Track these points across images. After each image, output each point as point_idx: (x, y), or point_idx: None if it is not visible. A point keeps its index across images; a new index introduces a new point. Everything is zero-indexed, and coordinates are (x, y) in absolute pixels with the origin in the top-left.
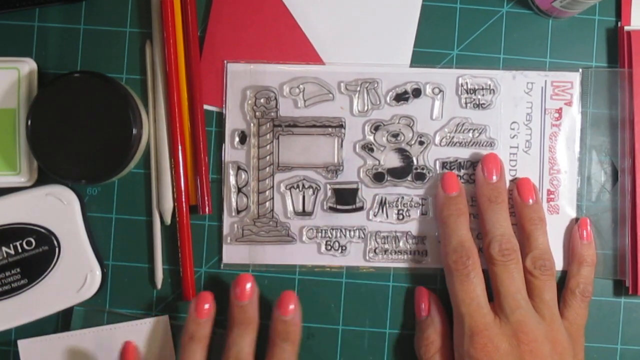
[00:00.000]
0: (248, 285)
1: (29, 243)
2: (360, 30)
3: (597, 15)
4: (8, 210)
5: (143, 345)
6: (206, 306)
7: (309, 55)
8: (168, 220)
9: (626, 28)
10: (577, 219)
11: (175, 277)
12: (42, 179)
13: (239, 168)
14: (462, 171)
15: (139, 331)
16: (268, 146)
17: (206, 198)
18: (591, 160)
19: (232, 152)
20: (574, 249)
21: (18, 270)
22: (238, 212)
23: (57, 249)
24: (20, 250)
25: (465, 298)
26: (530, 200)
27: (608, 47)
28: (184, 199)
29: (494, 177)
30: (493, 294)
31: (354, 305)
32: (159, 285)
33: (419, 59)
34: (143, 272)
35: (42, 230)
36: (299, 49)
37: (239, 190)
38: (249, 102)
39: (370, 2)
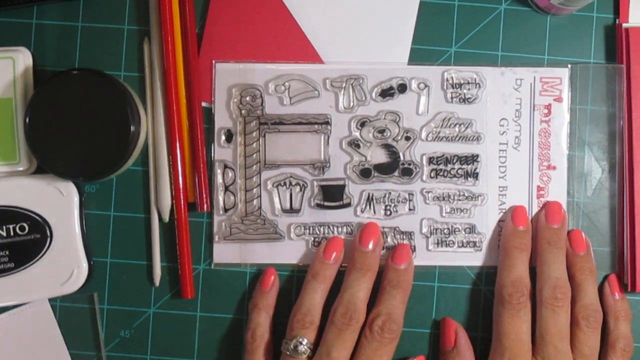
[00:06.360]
0: (376, 232)
1: (22, 228)
2: (359, 28)
3: (595, 13)
4: (7, 192)
5: (26, 332)
6: (334, 254)
7: (307, 53)
8: (166, 217)
9: (624, 25)
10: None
11: (173, 274)
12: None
13: (225, 166)
14: (449, 166)
15: (19, 319)
16: (254, 144)
17: (204, 195)
18: (590, 157)
19: (219, 151)
20: (607, 304)
21: (7, 252)
22: (226, 210)
23: (48, 239)
24: (12, 233)
25: (511, 332)
26: (582, 252)
27: (606, 44)
28: (182, 196)
29: (556, 225)
30: (536, 336)
31: None
32: (157, 282)
33: (416, 57)
34: (141, 269)
35: (37, 218)
36: (298, 47)
37: (226, 188)
38: (235, 100)
39: (368, 0)
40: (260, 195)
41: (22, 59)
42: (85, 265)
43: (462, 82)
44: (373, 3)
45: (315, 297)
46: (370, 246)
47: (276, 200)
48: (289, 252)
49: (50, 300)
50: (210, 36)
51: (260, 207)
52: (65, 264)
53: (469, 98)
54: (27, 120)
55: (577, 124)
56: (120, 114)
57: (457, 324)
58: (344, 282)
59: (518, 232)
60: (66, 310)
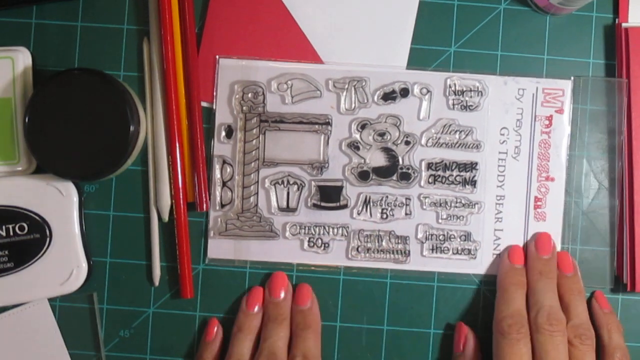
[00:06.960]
0: (284, 281)
1: (21, 228)
2: (358, 28)
3: (594, 12)
4: (7, 192)
5: (26, 332)
6: (257, 305)
7: (307, 53)
8: (166, 217)
9: (624, 25)
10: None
11: (172, 274)
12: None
13: (224, 162)
14: (448, 172)
15: (19, 319)
16: (254, 141)
17: (204, 195)
18: (589, 169)
19: (218, 146)
20: (598, 319)
21: (6, 252)
22: (222, 206)
23: (48, 239)
24: (11, 233)
25: (512, 359)
26: (570, 274)
27: (606, 44)
28: (181, 196)
29: (546, 256)
30: None
31: (352, 302)
32: (156, 282)
33: (416, 56)
34: (141, 269)
35: (37, 218)
36: (297, 47)
37: (224, 184)
38: (237, 96)
39: (367, 0)
40: (257, 193)
41: (22, 58)
42: (84, 265)
43: (464, 89)
44: (372, 3)
45: (242, 348)
46: (282, 295)
47: (273, 198)
48: (283, 251)
49: (49, 300)
50: (210, 36)
51: (256, 205)
52: (64, 264)
53: (471, 105)
54: (27, 120)
55: (577, 136)
56: (120, 114)
57: (469, 330)
58: (262, 333)
59: (515, 270)
60: (66, 310)
